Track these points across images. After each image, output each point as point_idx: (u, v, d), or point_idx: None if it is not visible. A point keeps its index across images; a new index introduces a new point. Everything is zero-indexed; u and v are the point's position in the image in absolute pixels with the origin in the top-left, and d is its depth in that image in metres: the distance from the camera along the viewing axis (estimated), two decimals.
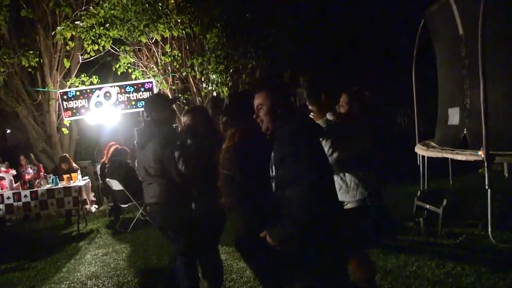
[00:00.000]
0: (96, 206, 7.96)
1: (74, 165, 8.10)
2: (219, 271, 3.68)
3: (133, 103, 8.69)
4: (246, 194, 2.64)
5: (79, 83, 9.09)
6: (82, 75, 9.22)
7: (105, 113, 8.64)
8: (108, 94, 8.63)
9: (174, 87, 9.23)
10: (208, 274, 3.69)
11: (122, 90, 8.67)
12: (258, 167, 2.45)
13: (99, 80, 9.36)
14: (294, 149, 2.14)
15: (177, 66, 8.67)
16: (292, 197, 2.14)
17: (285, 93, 2.44)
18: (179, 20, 7.82)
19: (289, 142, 2.18)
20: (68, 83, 9.09)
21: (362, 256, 3.20)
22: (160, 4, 7.53)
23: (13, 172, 7.36)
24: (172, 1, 7.95)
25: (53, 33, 8.45)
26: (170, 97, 8.78)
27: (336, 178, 3.11)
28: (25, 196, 6.90)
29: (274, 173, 2.32)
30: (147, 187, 3.54)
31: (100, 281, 4.61)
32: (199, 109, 4.20)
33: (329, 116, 3.04)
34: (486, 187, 4.50)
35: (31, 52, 8.13)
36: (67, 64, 8.91)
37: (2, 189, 7.07)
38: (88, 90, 8.70)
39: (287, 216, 2.16)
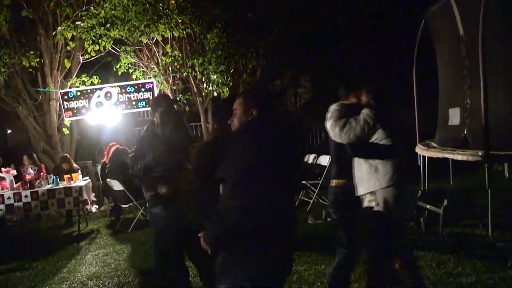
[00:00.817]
0: (97, 206, 7.96)
1: (75, 165, 8.09)
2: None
3: (134, 103, 8.68)
4: (194, 190, 2.63)
5: (79, 83, 9.09)
6: (83, 75, 9.22)
7: (105, 113, 8.64)
8: (108, 94, 8.62)
9: (174, 87, 9.23)
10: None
11: (123, 90, 8.67)
12: (214, 167, 2.38)
13: (100, 80, 9.36)
14: (231, 150, 2.17)
15: (178, 67, 8.68)
16: (222, 197, 2.18)
17: (262, 100, 2.38)
18: (179, 20, 7.83)
19: (232, 143, 2.22)
20: (69, 83, 9.09)
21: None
22: (161, 4, 7.53)
23: (14, 172, 7.37)
24: (173, 1, 7.95)
25: (53, 33, 8.44)
26: (171, 97, 8.81)
27: (356, 164, 3.09)
28: (26, 196, 6.90)
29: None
30: None
31: (101, 282, 4.61)
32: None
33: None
34: (486, 187, 4.50)
35: (31, 52, 8.12)
36: (67, 64, 8.92)
37: (2, 189, 7.07)
38: (89, 90, 8.70)
39: (218, 217, 2.14)
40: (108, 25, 7.67)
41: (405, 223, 3.11)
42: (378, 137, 2.95)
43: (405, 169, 2.96)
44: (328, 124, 3.13)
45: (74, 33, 7.83)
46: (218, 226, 2.12)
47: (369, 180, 2.97)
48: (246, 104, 2.33)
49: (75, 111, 8.63)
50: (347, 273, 3.32)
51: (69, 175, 7.25)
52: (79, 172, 7.67)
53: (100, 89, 8.72)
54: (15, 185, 7.14)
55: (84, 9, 7.99)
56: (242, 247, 2.12)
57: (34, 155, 8.34)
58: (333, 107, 3.20)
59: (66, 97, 8.62)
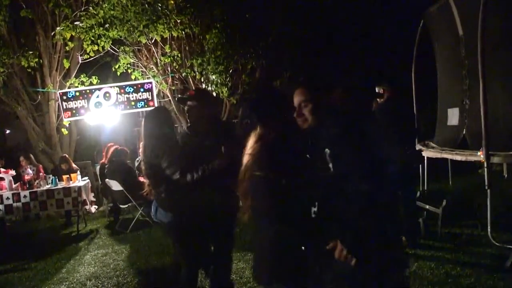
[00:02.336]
0: (96, 207, 7.96)
1: (74, 165, 8.10)
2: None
3: (133, 103, 8.67)
4: (283, 196, 2.36)
5: (78, 84, 9.08)
6: (82, 76, 9.22)
7: (104, 114, 8.64)
8: (107, 95, 8.62)
9: (173, 88, 9.23)
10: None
11: (122, 91, 8.66)
12: (296, 167, 2.26)
13: (99, 81, 9.35)
14: (349, 145, 2.06)
15: (177, 67, 8.67)
16: (355, 194, 1.99)
17: (327, 91, 2.30)
18: (178, 21, 7.82)
19: (342, 138, 2.09)
20: (68, 84, 9.08)
21: None
22: (159, 5, 7.52)
23: (13, 172, 7.36)
24: (172, 2, 7.94)
25: (52, 34, 8.44)
26: (170, 97, 8.81)
27: None
28: (25, 196, 6.90)
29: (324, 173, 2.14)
30: None
31: (100, 282, 4.61)
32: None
33: None
34: (486, 187, 4.50)
35: (30, 52, 8.12)
36: (66, 64, 8.91)
37: (1, 189, 7.06)
38: (88, 91, 8.69)
39: (351, 220, 1.98)
40: (107, 25, 7.66)
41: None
42: None
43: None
44: None
45: (73, 33, 7.82)
46: (361, 231, 1.96)
47: None
48: (318, 95, 2.22)
49: (74, 111, 8.62)
50: None
51: (68, 176, 7.25)
52: (78, 172, 7.67)
53: (99, 89, 8.71)
54: (14, 186, 7.14)
55: (83, 9, 7.99)
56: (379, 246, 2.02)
57: (31, 155, 8.33)
58: None
59: (65, 97, 8.61)
